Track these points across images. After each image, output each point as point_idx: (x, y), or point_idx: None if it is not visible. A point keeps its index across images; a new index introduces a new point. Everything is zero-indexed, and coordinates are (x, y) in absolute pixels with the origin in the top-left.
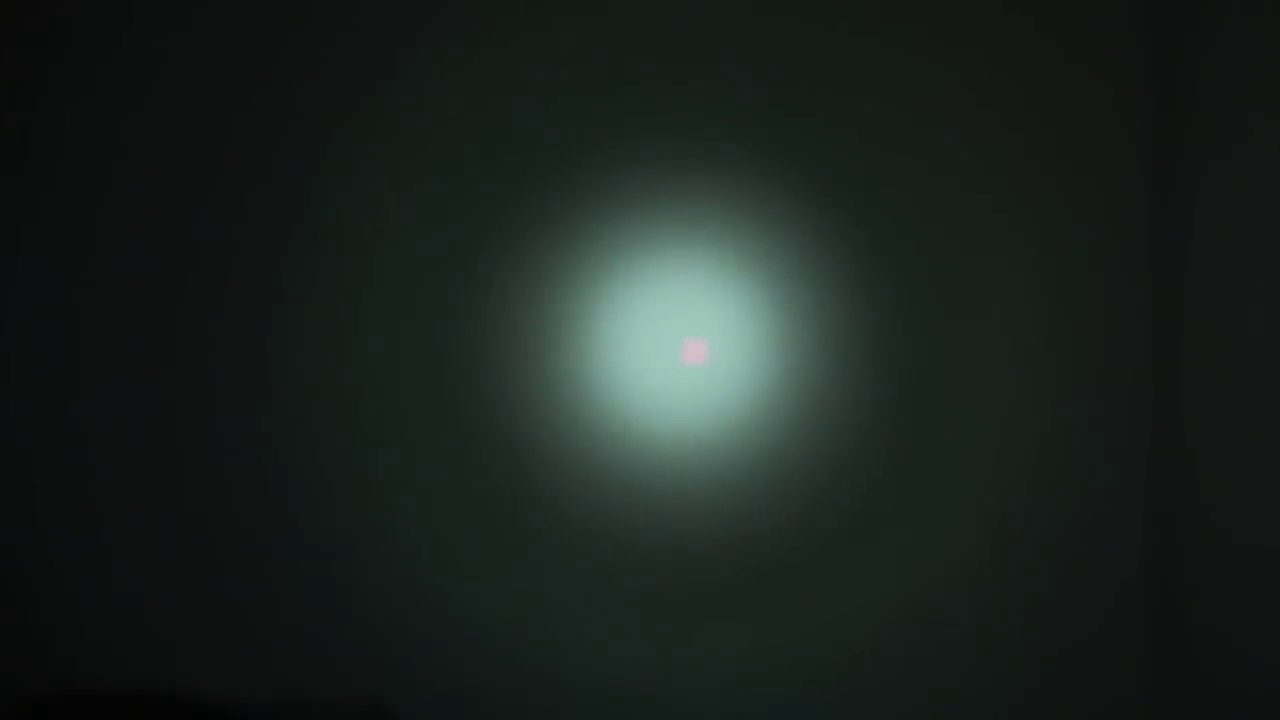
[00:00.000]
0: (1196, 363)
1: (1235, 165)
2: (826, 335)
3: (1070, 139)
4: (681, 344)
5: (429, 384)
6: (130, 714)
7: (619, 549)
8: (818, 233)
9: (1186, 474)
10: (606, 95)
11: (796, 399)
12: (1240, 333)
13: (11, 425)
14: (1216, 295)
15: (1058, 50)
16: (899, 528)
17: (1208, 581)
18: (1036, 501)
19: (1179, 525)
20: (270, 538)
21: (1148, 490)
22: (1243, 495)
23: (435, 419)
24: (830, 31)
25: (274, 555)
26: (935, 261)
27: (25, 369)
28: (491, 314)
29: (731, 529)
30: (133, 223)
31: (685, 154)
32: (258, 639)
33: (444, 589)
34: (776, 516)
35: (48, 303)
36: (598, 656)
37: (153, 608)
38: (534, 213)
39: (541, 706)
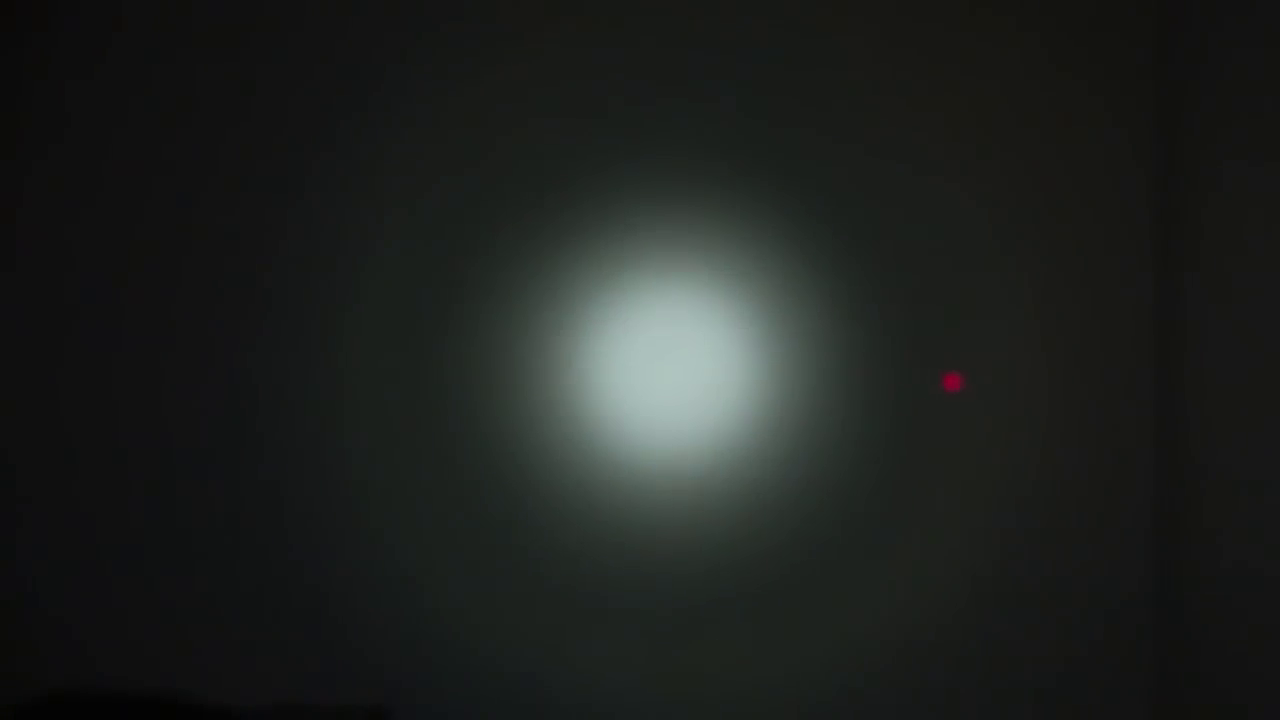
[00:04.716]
0: (1198, 370)
1: (1238, 167)
2: (823, 348)
3: (1071, 143)
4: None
5: (421, 391)
6: (127, 714)
7: (611, 558)
8: (814, 244)
9: (1190, 484)
10: (600, 112)
11: (791, 414)
12: (1243, 337)
13: (1, 429)
14: (1218, 300)
15: (1058, 53)
16: (898, 540)
17: (1212, 588)
18: (1039, 512)
19: (1183, 534)
20: (264, 545)
21: (1153, 499)
22: (1247, 503)
23: (428, 430)
24: (824, 44)
25: (268, 561)
26: (934, 271)
27: (13, 372)
28: (483, 330)
29: (729, 544)
30: (124, 226)
31: (681, 171)
32: (253, 647)
33: (436, 598)
34: (771, 533)
35: (36, 307)
36: (591, 670)
37: (147, 615)
38: (526, 230)
39: (534, 715)
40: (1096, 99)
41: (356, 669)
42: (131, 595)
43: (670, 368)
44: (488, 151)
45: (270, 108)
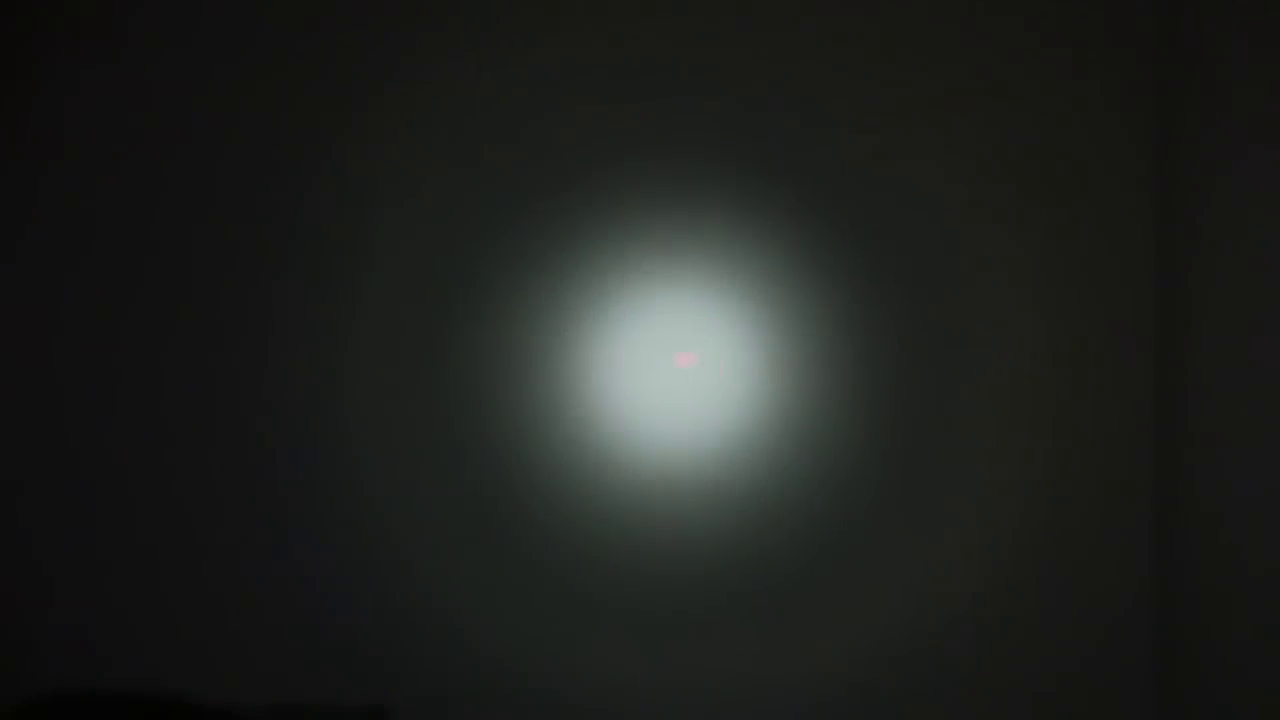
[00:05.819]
0: (1198, 370)
1: (1240, 169)
2: (825, 348)
3: (1073, 144)
4: (678, 361)
5: (424, 392)
6: (128, 714)
7: (614, 559)
8: (818, 244)
9: (1190, 484)
10: (606, 112)
11: (795, 415)
12: (1243, 337)
13: (3, 429)
14: (1218, 300)
15: (1061, 53)
16: (899, 543)
17: (1212, 588)
18: (1039, 513)
19: (1183, 535)
20: (264, 544)
21: (1153, 499)
22: (1247, 504)
23: (430, 430)
24: (828, 42)
25: (268, 561)
26: (936, 273)
27: (14, 372)
28: (487, 331)
29: (733, 546)
30: (125, 229)
31: (687, 172)
32: (253, 647)
33: (436, 598)
34: (774, 535)
35: (37, 308)
36: (592, 671)
37: (147, 614)
38: (530, 229)
39: (534, 716)
40: (1096, 98)
41: (356, 669)
42: (132, 595)
43: (676, 369)
44: (492, 154)
45: (273, 108)
